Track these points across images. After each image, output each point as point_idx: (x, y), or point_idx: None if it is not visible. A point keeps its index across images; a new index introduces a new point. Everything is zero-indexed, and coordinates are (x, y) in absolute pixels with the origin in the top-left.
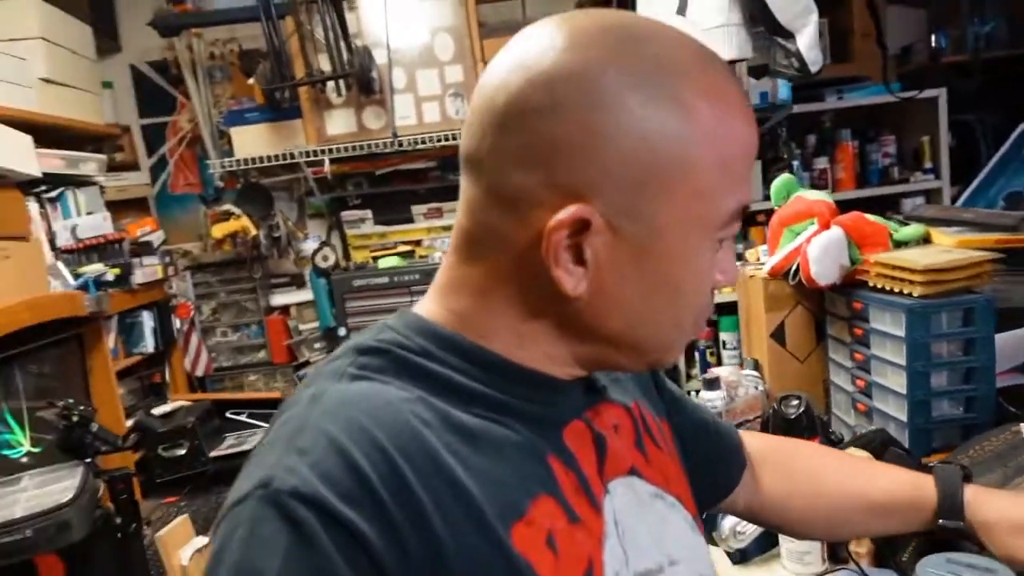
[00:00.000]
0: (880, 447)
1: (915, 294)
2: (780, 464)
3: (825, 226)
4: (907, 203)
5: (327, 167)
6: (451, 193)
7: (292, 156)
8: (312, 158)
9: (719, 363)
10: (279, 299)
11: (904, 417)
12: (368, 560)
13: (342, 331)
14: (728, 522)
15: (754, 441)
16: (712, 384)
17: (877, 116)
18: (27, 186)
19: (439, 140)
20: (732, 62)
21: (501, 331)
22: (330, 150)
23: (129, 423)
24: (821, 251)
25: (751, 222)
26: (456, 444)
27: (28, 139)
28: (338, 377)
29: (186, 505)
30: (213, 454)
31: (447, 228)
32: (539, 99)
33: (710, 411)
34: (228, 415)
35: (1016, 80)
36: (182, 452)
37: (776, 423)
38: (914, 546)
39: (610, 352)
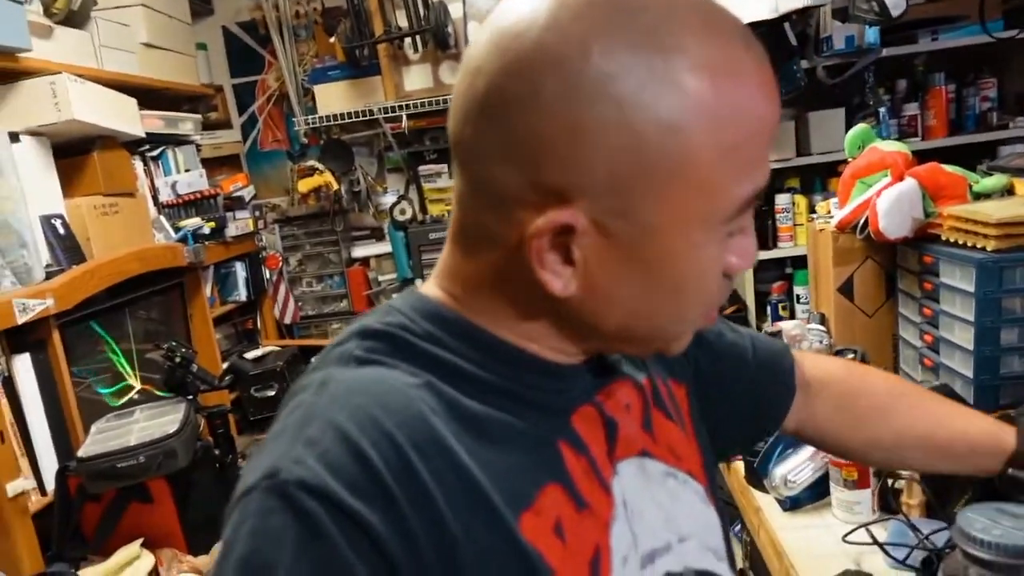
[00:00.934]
0: None
1: (988, 248)
2: (843, 396)
3: (899, 178)
4: (1005, 150)
5: (404, 123)
6: None
7: (371, 112)
8: (390, 114)
9: (792, 317)
10: (360, 251)
11: (970, 373)
12: (377, 551)
13: (418, 282)
14: (780, 470)
15: (819, 364)
16: (774, 337)
17: (977, 58)
18: (132, 146)
19: None
20: (807, 10)
21: (503, 318)
22: (407, 105)
23: (224, 365)
24: (891, 204)
25: (832, 173)
26: (464, 433)
27: (133, 102)
28: (346, 361)
29: None
30: None
31: None
32: (518, 89)
33: (756, 336)
34: (313, 360)
35: None
36: (272, 392)
37: None
38: (967, 499)
39: (614, 344)
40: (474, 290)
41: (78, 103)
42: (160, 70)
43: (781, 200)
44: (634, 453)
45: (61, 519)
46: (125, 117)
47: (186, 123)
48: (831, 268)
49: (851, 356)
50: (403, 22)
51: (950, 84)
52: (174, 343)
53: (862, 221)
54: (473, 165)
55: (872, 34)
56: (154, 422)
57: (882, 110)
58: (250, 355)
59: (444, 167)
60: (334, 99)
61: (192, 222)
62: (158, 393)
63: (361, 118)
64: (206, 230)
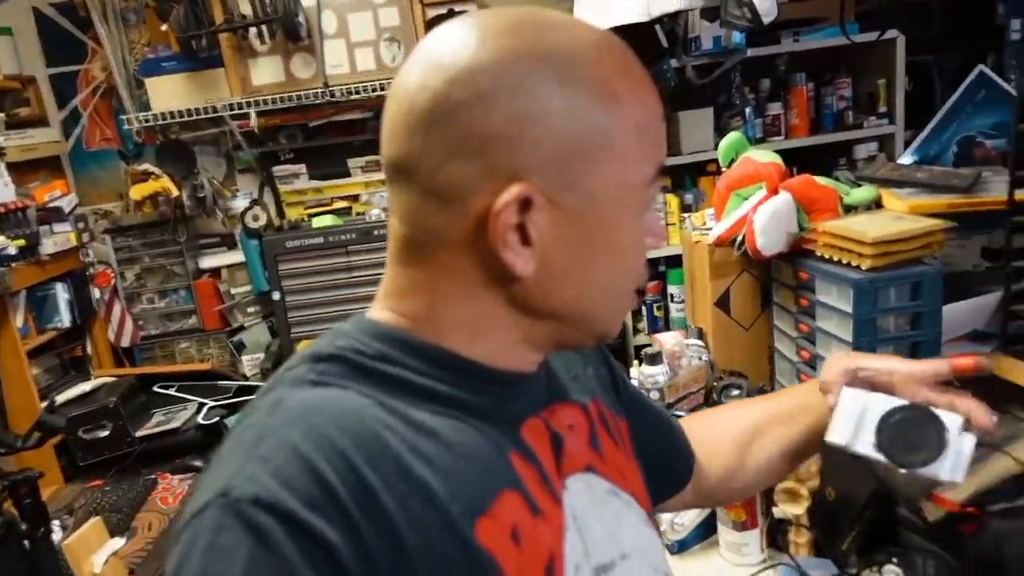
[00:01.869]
0: None
1: (864, 267)
2: (699, 441)
3: (773, 191)
4: (860, 149)
5: (254, 120)
6: None
7: (215, 109)
8: (237, 111)
9: (666, 316)
10: (208, 261)
11: None
12: (334, 566)
13: (276, 295)
14: (667, 515)
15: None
16: (654, 359)
17: (834, 58)
18: None
19: (374, 89)
20: (678, 13)
21: (454, 328)
22: (256, 102)
23: (45, 405)
24: (768, 220)
25: (701, 172)
26: (420, 444)
27: None
28: (299, 384)
29: (112, 489)
30: (140, 433)
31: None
32: (463, 94)
33: (664, 410)
34: (156, 389)
35: (976, 19)
36: (105, 433)
37: None
38: (853, 536)
39: (561, 328)
40: (422, 305)
41: None
42: None
43: None
44: (580, 468)
45: None
46: None
47: None
48: (708, 282)
49: (735, 393)
50: (247, 10)
51: (810, 83)
52: None
53: (740, 238)
54: (421, 174)
55: (738, 35)
56: None
57: (748, 109)
58: (73, 392)
59: (302, 167)
60: (171, 94)
61: None
62: None
63: (203, 116)
64: (12, 250)
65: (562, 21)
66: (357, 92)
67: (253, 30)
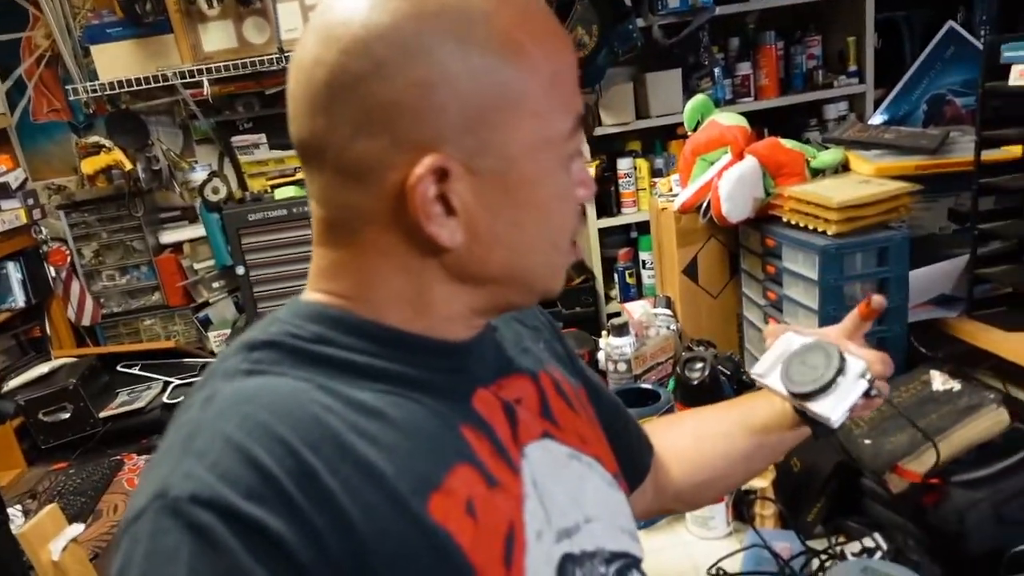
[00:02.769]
0: None
1: (830, 232)
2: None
3: (739, 156)
4: (830, 109)
5: (207, 89)
6: None
7: (165, 78)
8: (189, 79)
9: (639, 283)
10: (169, 236)
11: None
12: (282, 556)
13: (240, 269)
14: None
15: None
16: (621, 330)
17: (804, 16)
18: None
19: None
20: None
21: (393, 304)
22: (208, 69)
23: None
24: (733, 187)
25: (671, 136)
26: (363, 424)
27: None
28: (231, 376)
29: (76, 471)
30: (103, 414)
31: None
32: (360, 66)
33: (619, 399)
34: (119, 368)
35: None
36: (66, 415)
37: (680, 388)
38: (818, 508)
39: (502, 292)
40: (356, 283)
41: None
42: None
43: (623, 165)
44: (536, 436)
45: None
46: None
47: None
48: (675, 250)
49: (699, 365)
50: None
51: (779, 42)
52: None
53: (705, 204)
54: (331, 154)
55: None
56: None
57: (717, 70)
58: (31, 375)
59: (262, 137)
60: (118, 62)
61: None
62: None
63: (152, 84)
64: None
65: None
66: None
67: None
